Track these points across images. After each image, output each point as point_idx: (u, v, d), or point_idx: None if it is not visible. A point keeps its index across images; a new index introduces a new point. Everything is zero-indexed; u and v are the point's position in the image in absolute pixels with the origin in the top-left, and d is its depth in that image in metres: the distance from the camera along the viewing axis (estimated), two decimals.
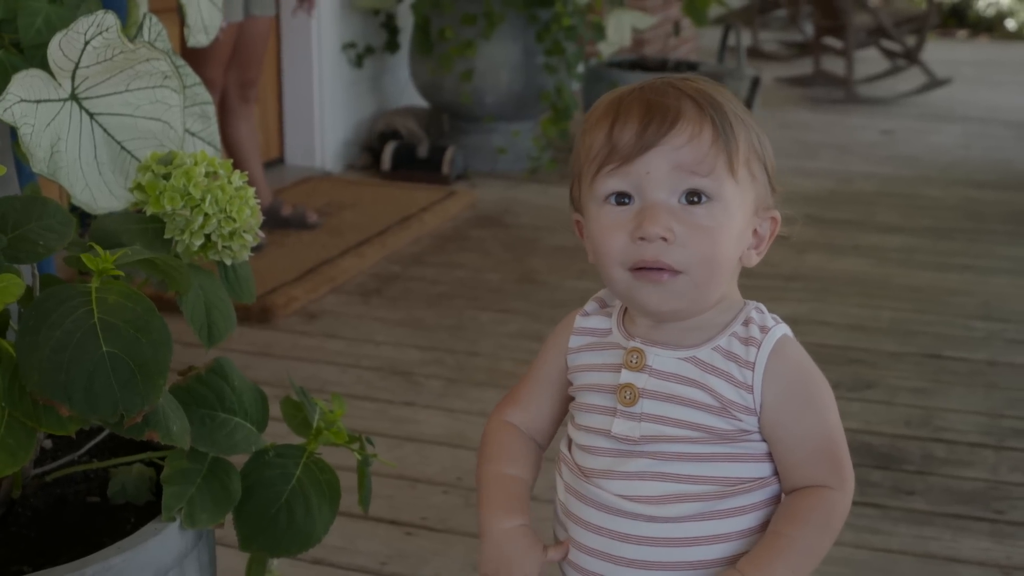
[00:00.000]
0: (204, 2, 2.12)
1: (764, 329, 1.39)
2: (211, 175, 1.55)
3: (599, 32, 5.87)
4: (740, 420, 1.35)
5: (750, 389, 1.35)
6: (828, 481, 1.35)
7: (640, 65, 6.59)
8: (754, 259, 1.43)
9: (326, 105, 5.80)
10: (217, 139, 2.01)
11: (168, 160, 1.57)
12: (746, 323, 1.40)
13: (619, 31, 6.04)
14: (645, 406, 1.39)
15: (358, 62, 5.99)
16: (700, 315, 1.39)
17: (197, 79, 1.99)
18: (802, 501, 1.35)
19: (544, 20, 5.60)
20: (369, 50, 6.04)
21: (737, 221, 1.36)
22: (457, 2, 5.57)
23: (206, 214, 1.51)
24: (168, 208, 1.51)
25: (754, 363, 1.36)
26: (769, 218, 1.42)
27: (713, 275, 1.35)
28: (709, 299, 1.37)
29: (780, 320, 1.42)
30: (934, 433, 3.12)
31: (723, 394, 1.36)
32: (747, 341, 1.37)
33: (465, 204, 5.24)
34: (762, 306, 1.44)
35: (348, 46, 5.92)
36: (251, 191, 1.57)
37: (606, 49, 6.07)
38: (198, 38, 2.13)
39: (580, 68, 5.98)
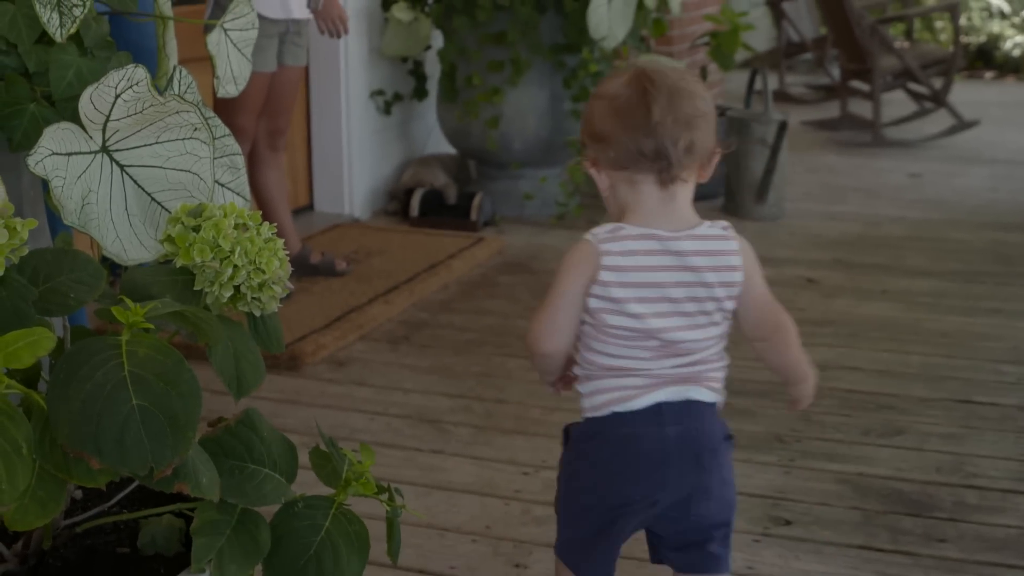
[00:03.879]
0: (234, 54, 2.14)
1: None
2: (240, 227, 1.56)
3: None
4: None
5: None
6: None
7: None
8: (605, 193, 2.07)
9: (354, 152, 5.83)
10: (246, 190, 2.03)
11: (198, 212, 1.58)
12: None
13: None
14: None
15: (386, 109, 6.02)
16: None
17: (226, 130, 2.01)
18: None
19: (571, 66, 5.62)
20: (397, 97, 6.07)
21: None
22: (484, 49, 5.60)
23: (235, 266, 1.52)
24: (198, 260, 1.52)
25: None
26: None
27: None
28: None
29: (597, 231, 1.98)
30: (965, 479, 3.09)
31: None
32: None
33: (493, 250, 5.25)
34: (612, 226, 1.99)
35: (376, 93, 5.95)
36: (280, 243, 1.58)
37: None
38: (227, 89, 2.15)
39: None
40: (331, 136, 5.80)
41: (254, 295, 1.54)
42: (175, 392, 1.33)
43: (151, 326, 1.40)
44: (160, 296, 1.51)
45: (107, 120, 1.75)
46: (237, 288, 1.54)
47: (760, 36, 10.48)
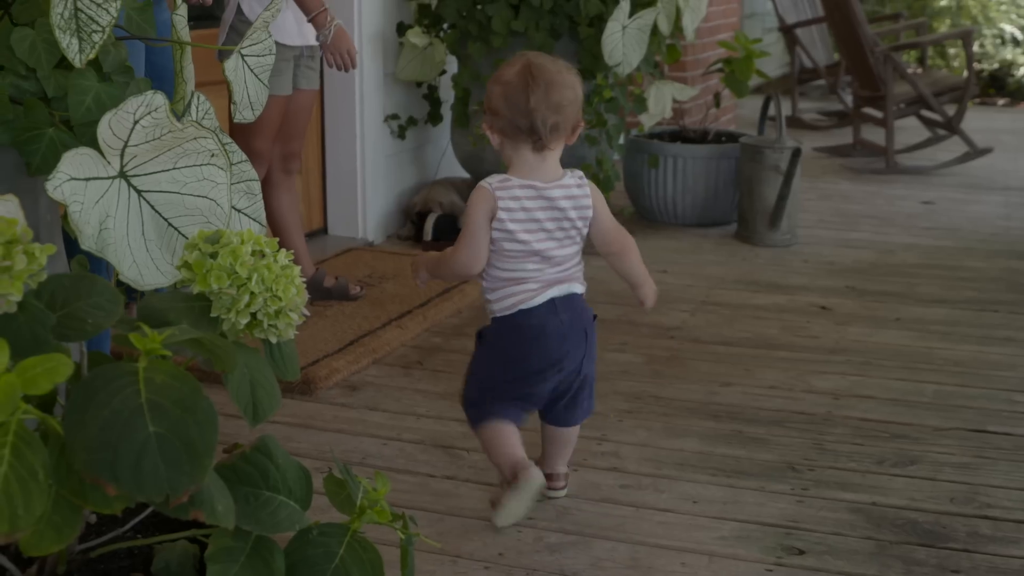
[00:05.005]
0: (251, 79, 2.15)
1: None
2: (257, 254, 1.56)
3: (640, 104, 5.90)
4: None
5: None
6: None
7: (680, 136, 6.61)
8: (497, 149, 2.96)
9: (368, 176, 5.84)
10: (263, 215, 2.03)
11: (215, 239, 1.58)
12: None
13: (660, 102, 6.07)
14: None
15: (401, 133, 6.03)
16: None
17: (243, 156, 2.01)
18: None
19: (586, 92, 5.61)
20: (412, 122, 6.08)
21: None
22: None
23: (252, 293, 1.52)
24: (215, 287, 1.52)
25: None
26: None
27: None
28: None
29: (491, 180, 2.87)
30: (979, 510, 3.08)
31: None
32: None
33: None
34: (502, 177, 2.88)
35: (391, 117, 5.96)
36: (297, 270, 1.58)
37: (647, 120, 6.10)
38: (244, 114, 2.16)
39: (621, 140, 6.00)
40: (345, 160, 5.82)
41: (271, 322, 1.54)
42: (192, 420, 1.33)
43: (168, 353, 1.40)
44: (177, 322, 1.51)
45: (125, 146, 1.76)
46: (254, 315, 1.54)
47: (773, 62, 10.50)
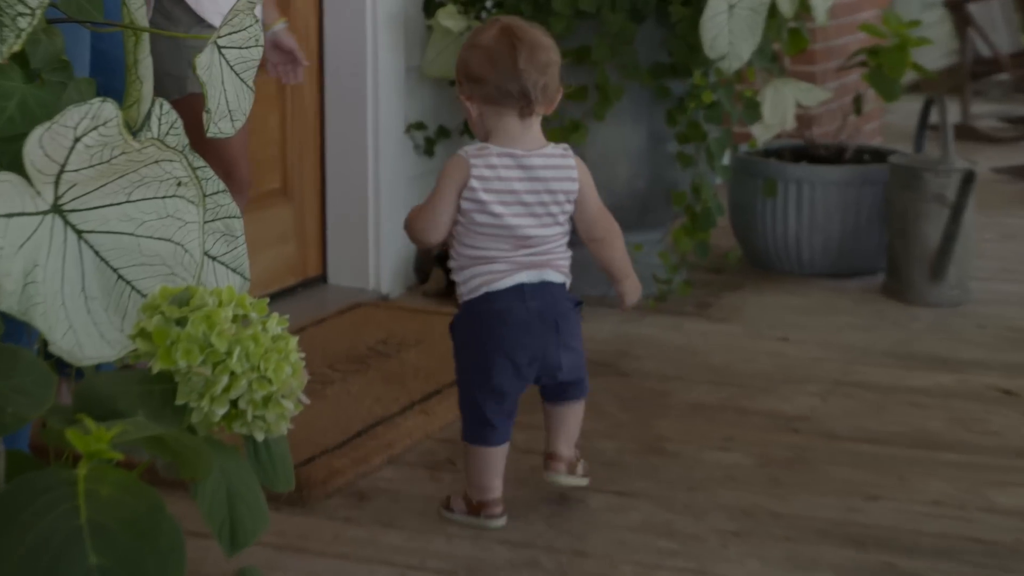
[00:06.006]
0: (230, 79, 2.15)
1: None
2: (240, 319, 1.56)
3: (752, 110, 5.88)
4: None
5: None
6: None
7: (807, 154, 6.58)
8: (474, 120, 3.61)
9: (383, 206, 5.81)
10: (246, 266, 2.03)
11: (184, 299, 1.58)
12: None
13: (778, 108, 6.05)
14: None
15: (428, 148, 6.03)
16: None
17: (221, 186, 2.02)
18: None
19: (677, 95, 5.59)
20: (442, 132, 6.08)
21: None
22: (560, 70, 5.60)
23: (233, 373, 1.52)
24: (182, 364, 1.52)
25: None
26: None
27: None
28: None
29: (467, 148, 3.55)
30: None
31: None
32: None
33: None
34: (480, 145, 3.54)
35: (414, 127, 5.96)
36: (293, 341, 1.58)
37: (762, 133, 6.08)
38: (221, 126, 2.16)
39: (725, 159, 5.98)
40: (352, 185, 5.81)
41: (257, 413, 1.54)
42: (149, 548, 1.32)
43: (118, 455, 1.40)
44: (130, 413, 1.51)
45: (62, 170, 1.76)
46: (234, 403, 1.54)
47: (936, 51, 10.48)
